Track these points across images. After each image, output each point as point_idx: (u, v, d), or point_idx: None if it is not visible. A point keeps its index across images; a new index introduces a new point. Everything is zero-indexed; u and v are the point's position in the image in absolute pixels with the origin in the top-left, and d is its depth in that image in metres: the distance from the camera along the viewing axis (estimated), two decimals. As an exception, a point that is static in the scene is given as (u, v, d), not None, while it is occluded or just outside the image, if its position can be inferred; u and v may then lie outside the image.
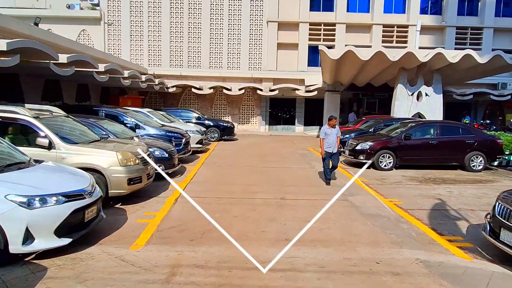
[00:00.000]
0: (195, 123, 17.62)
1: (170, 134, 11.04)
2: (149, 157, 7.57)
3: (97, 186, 5.31)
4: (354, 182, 9.13)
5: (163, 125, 12.33)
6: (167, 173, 8.98)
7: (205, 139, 15.47)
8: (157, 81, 20.01)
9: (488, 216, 4.99)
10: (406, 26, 24.83)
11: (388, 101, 19.32)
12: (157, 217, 6.03)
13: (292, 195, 7.80)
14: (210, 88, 23.75)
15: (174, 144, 10.86)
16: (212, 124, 18.42)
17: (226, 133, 18.55)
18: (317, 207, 6.84)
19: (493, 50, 20.18)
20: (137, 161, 6.75)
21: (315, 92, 23.48)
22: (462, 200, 7.59)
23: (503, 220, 4.53)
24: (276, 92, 23.70)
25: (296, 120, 25.70)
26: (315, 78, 23.15)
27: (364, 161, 10.89)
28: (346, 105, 25.61)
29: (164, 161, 8.86)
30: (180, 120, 16.18)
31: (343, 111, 24.83)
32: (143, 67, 23.42)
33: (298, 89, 23.85)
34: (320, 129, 21.88)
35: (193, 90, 23.55)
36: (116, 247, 4.76)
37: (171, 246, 4.85)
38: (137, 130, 10.65)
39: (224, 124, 18.64)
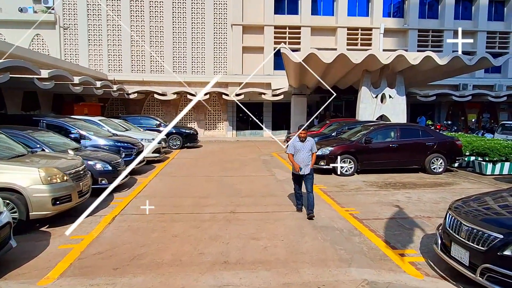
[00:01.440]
0: (156, 130, 16.90)
1: (119, 144, 10.31)
2: (85, 171, 6.88)
3: (5, 209, 4.60)
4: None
5: (113, 135, 11.56)
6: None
7: (164, 147, 14.78)
8: (115, 87, 19.09)
9: (440, 228, 4.64)
10: (370, 29, 25.01)
11: (354, 104, 19.22)
12: (84, 241, 5.35)
13: (244, 207, 7.28)
14: (174, 93, 22.99)
15: (123, 154, 10.16)
16: (174, 131, 17.70)
17: (189, 140, 17.87)
18: (268, 220, 6.36)
19: (453, 51, 20.51)
20: (65, 177, 6.03)
21: (282, 96, 23.18)
22: (419, 207, 7.31)
23: (453, 234, 4.17)
24: (242, 96, 23.20)
25: (264, 125, 25.31)
26: (281, 82, 22.86)
27: (324, 167, 10.54)
28: (313, 108, 25.45)
29: (107, 175, 8.15)
30: (139, 128, 15.40)
31: (310, 114, 24.63)
32: (101, 73, 22.39)
33: (264, 93, 23.48)
34: (287, 134, 21.68)
35: (156, 96, 22.70)
36: (21, 283, 4.07)
37: (88, 278, 4.21)
38: (82, 141, 9.87)
39: (187, 131, 17.95)
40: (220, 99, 24.34)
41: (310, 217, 6.38)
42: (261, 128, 25.32)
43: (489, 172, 10.74)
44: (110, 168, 8.25)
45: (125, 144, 10.44)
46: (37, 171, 5.67)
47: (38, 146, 7.68)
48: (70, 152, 7.53)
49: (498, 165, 10.70)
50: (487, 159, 10.87)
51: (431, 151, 10.84)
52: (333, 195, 8.20)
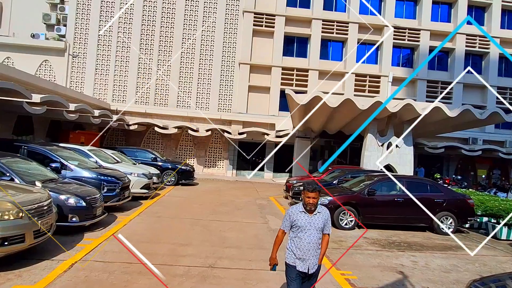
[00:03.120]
0: (152, 164, 16.22)
1: (102, 177, 9.57)
2: (50, 207, 6.12)
3: None
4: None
5: (100, 167, 10.87)
6: (82, 226, 7.48)
7: (155, 183, 14.03)
8: (115, 117, 18.69)
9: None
10: (378, 77, 24.82)
11: (359, 151, 18.51)
12: (25, 295, 4.49)
13: (226, 261, 6.38)
14: (175, 127, 22.55)
15: (105, 189, 9.41)
16: (169, 166, 17.03)
17: (185, 177, 17.12)
18: (249, 281, 5.45)
19: (463, 104, 20.00)
20: (20, 214, 5.26)
21: (286, 138, 22.55)
22: (427, 275, 6.34)
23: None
24: (245, 135, 22.68)
25: (265, 166, 24.54)
26: (286, 123, 22.41)
27: (322, 218, 9.62)
28: (317, 152, 24.78)
29: (79, 211, 7.37)
30: (132, 161, 14.73)
31: (314, 159, 23.94)
32: (104, 102, 22.17)
33: (267, 134, 22.94)
34: (289, 177, 20.80)
35: (156, 129, 22.26)
36: None
37: None
38: (62, 172, 9.17)
39: (183, 167, 17.24)
40: (222, 136, 23.81)
41: None
42: (262, 169, 24.54)
43: (504, 236, 9.73)
44: (83, 204, 7.47)
45: (109, 177, 9.70)
46: (-14, 205, 4.92)
47: (8, 175, 7.01)
48: (38, 184, 6.80)
49: (515, 230, 9.72)
50: (501, 221, 9.91)
51: (440, 209, 9.92)
52: (328, 253, 7.26)
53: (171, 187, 16.12)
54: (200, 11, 24.40)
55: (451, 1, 25.74)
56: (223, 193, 15.70)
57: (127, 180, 10.45)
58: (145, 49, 24.11)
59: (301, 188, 11.60)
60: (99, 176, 9.57)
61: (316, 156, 24.38)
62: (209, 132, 23.13)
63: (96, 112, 15.92)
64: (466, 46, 25.26)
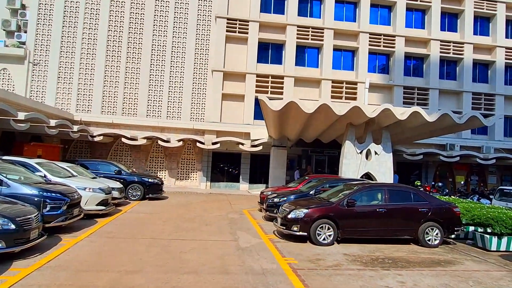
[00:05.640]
0: (114, 178, 14.91)
1: (45, 194, 8.28)
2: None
3: None
4: (280, 266, 6.77)
5: (47, 181, 9.57)
6: (11, 253, 6.24)
7: (116, 198, 12.76)
8: (76, 127, 17.29)
9: None
10: (355, 83, 24.37)
11: (338, 159, 17.75)
12: None
13: (180, 292, 5.27)
14: (144, 138, 21.24)
15: (48, 207, 8.15)
16: (135, 179, 15.74)
17: (152, 190, 15.84)
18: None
19: (439, 110, 19.64)
20: None
21: (261, 147, 21.67)
22: (418, 300, 5.42)
23: None
24: (219, 145, 21.61)
25: (240, 177, 23.47)
26: (261, 132, 21.49)
27: (298, 233, 8.64)
28: (295, 162, 23.93)
29: (7, 236, 6.15)
30: (91, 174, 13.40)
31: (291, 168, 23.07)
32: (67, 112, 20.73)
33: (243, 143, 21.95)
34: (266, 188, 19.73)
35: (124, 140, 20.90)
36: None
37: None
38: (-3, 188, 7.86)
39: (150, 180, 15.96)
40: (195, 147, 22.66)
41: None
42: (237, 181, 23.45)
43: (494, 247, 8.98)
44: (12, 226, 6.24)
45: (54, 194, 8.41)
46: None
47: None
48: None
49: (505, 240, 8.98)
50: (489, 230, 9.18)
51: (425, 219, 9.11)
52: (304, 276, 6.25)
53: (136, 202, 14.83)
54: (171, 17, 23.42)
55: (425, 8, 25.73)
56: (193, 207, 14.52)
57: (76, 196, 9.17)
58: (112, 56, 22.85)
59: (275, 200, 10.64)
60: (41, 193, 8.27)
61: (294, 166, 23.52)
62: (181, 143, 21.96)
63: (52, 122, 14.53)
64: (441, 52, 25.20)
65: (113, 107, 22.78)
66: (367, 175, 16.48)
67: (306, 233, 8.59)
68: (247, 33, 23.49)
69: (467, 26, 25.56)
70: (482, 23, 26.38)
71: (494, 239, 8.98)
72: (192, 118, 23.27)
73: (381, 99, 24.30)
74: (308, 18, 24.65)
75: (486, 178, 25.77)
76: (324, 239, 8.58)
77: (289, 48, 23.90)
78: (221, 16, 23.31)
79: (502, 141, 25.35)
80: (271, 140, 21.34)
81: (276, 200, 11.42)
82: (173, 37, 23.43)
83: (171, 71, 23.28)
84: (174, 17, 23.51)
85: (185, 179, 23.14)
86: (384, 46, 24.76)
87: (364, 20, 24.64)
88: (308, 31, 24.12)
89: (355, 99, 23.86)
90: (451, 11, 26.02)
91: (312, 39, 24.14)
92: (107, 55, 22.77)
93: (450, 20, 26.23)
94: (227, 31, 23.34)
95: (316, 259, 7.41)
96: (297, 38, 23.95)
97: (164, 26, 23.41)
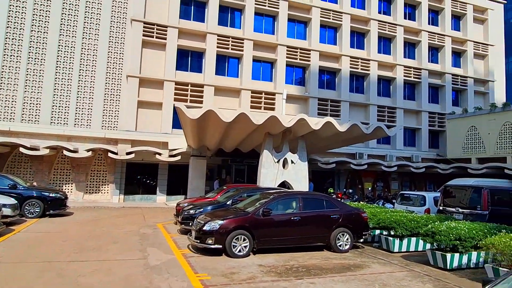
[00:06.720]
0: (7, 192, 13.05)
1: None
2: None
3: None
4: (191, 284, 6.33)
5: None
6: None
7: (8, 216, 11.13)
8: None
9: None
10: (273, 94, 24.99)
11: (257, 168, 17.82)
12: None
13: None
14: (47, 148, 19.11)
15: None
16: (34, 194, 13.96)
17: (53, 206, 14.16)
18: None
19: (349, 120, 21.00)
20: None
21: (179, 157, 20.93)
22: (328, 308, 5.42)
23: None
24: (133, 155, 20.34)
25: (157, 189, 22.36)
26: (180, 142, 20.75)
27: (213, 246, 8.29)
28: (214, 172, 23.57)
29: None
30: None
31: (210, 178, 22.66)
32: None
33: (160, 153, 20.97)
34: (185, 199, 18.97)
35: (22, 150, 18.54)
36: None
37: None
38: None
39: (51, 195, 14.27)
40: (107, 157, 21.00)
41: None
42: (154, 193, 22.29)
43: (396, 249, 9.63)
44: None
45: None
46: None
47: None
48: None
49: (406, 241, 9.68)
50: (392, 233, 9.83)
51: (336, 225, 9.42)
52: (216, 292, 5.92)
53: (34, 220, 13.12)
54: (81, 15, 21.63)
55: (336, 26, 27.56)
56: (101, 223, 13.29)
57: None
58: (10, 55, 20.30)
59: (191, 212, 10.14)
60: None
61: (213, 176, 23.15)
62: (91, 153, 20.19)
63: None
64: (351, 67, 27.17)
65: (11, 112, 20.15)
66: (284, 184, 16.81)
67: (221, 246, 8.28)
68: (165, 38, 22.72)
69: (372, 45, 27.98)
70: (385, 43, 29.12)
71: (397, 241, 9.64)
72: (104, 126, 21.61)
73: (298, 109, 25.25)
74: (229, 28, 24.76)
75: (390, 184, 28.21)
76: (239, 250, 8.35)
77: (209, 56, 23.68)
78: (137, 19, 22.22)
79: (402, 150, 28.05)
80: (190, 150, 20.76)
81: (192, 212, 10.93)
82: (84, 38, 21.65)
83: (80, 75, 21.43)
84: (85, 17, 21.77)
85: (95, 192, 21.29)
86: (300, 59, 25.88)
87: (282, 34, 25.53)
88: (229, 41, 24.19)
89: (273, 109, 24.45)
90: (359, 30, 28.28)
91: (232, 49, 24.24)
92: (4, 54, 20.15)
93: (358, 38, 28.47)
94: (144, 35, 22.30)
95: (230, 273, 7.12)
96: (218, 47, 23.86)
97: (73, 25, 21.53)
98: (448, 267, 7.86)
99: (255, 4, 24.95)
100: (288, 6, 25.85)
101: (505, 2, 34.72)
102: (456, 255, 7.92)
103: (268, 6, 25.33)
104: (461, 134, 26.35)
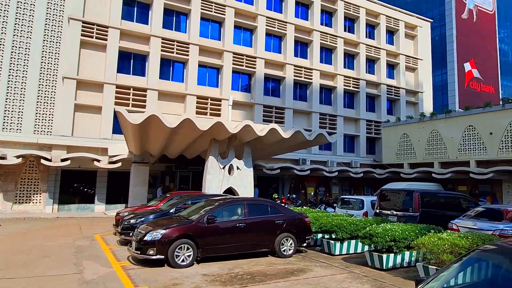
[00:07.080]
0: None
1: None
2: None
3: None
4: (130, 297, 6.05)
5: None
6: None
7: None
8: None
9: None
10: (220, 100, 24.93)
11: (202, 175, 17.60)
12: None
13: None
14: (-32, 154, 17.32)
15: None
16: (-50, 206, 12.50)
17: (-26, 218, 12.82)
18: None
19: (293, 127, 21.59)
20: None
21: (120, 164, 20.04)
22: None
23: None
24: (69, 162, 19.09)
25: (96, 198, 21.16)
26: (121, 148, 19.87)
27: (155, 257, 8.00)
28: (158, 179, 22.87)
29: None
30: None
31: (154, 186, 21.95)
32: None
33: (99, 160, 19.91)
34: (126, 208, 18.17)
35: None
36: None
37: None
38: None
39: (-28, 206, 12.92)
40: (39, 164, 19.47)
41: None
42: (92, 202, 21.06)
43: (337, 252, 10.01)
44: None
45: None
46: None
47: None
48: None
49: (346, 244, 10.11)
50: (333, 236, 10.21)
51: (281, 231, 9.56)
52: (158, 305, 5.70)
53: (-50, 235, 11.76)
54: (12, 11, 19.99)
55: (281, 35, 28.30)
56: (32, 235, 12.27)
57: None
58: None
59: (132, 221, 9.72)
60: None
61: (156, 183, 22.44)
62: (21, 159, 18.62)
63: None
64: (294, 76, 27.99)
65: None
66: (230, 190, 16.79)
67: (163, 256, 8.01)
68: (106, 39, 21.73)
69: (315, 54, 29.09)
70: (327, 54, 30.43)
71: (338, 244, 10.02)
72: (36, 131, 20.06)
73: (244, 116, 25.42)
74: (174, 32, 24.32)
75: (331, 188, 29.35)
76: (183, 260, 8.14)
77: (153, 60, 23.05)
78: (75, 18, 21.00)
79: (342, 156, 29.39)
80: (132, 156, 19.96)
81: (132, 221, 10.47)
82: (15, 35, 20.01)
83: (10, 75, 19.74)
84: (17, 12, 20.14)
85: (26, 202, 19.63)
86: (246, 66, 26.14)
87: (228, 40, 25.62)
88: (174, 45, 23.75)
89: (219, 115, 24.37)
90: (303, 40, 29.27)
91: (177, 53, 23.83)
92: None
93: (302, 48, 29.44)
94: (82, 35, 21.13)
95: (173, 284, 6.91)
96: (162, 50, 23.33)
97: (3, 20, 19.82)
98: (384, 267, 8.33)
99: (201, 9, 24.81)
100: (235, 13, 26.03)
101: (432, 20, 38.07)
102: (391, 255, 8.42)
103: (215, 12, 25.30)
104: (395, 141, 28.23)
